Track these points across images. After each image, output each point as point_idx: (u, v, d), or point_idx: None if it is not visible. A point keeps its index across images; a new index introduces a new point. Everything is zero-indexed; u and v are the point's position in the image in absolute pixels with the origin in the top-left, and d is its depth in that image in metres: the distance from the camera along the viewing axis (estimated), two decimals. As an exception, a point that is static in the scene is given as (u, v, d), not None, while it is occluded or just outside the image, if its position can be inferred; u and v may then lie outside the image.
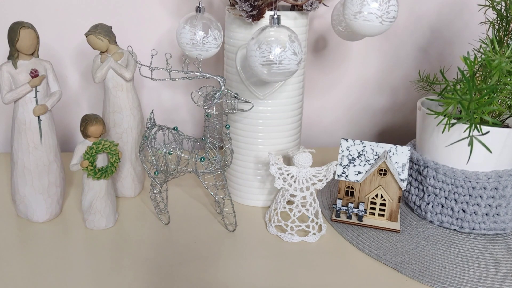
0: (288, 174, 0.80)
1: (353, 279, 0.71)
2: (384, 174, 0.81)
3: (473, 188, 0.80)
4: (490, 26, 0.85)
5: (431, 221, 0.85)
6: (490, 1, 0.84)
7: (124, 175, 0.90)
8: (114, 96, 0.86)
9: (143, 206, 0.89)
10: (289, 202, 0.82)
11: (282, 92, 0.84)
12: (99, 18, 0.90)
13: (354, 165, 0.83)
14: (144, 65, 0.74)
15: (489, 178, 0.79)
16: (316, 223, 0.81)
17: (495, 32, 0.84)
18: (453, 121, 0.76)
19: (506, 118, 0.87)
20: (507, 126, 0.87)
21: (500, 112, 0.84)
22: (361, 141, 0.84)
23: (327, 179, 0.79)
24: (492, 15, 0.88)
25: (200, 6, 0.82)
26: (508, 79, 0.71)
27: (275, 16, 0.71)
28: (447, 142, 0.80)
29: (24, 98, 0.77)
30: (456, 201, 0.82)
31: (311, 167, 0.80)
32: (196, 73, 0.72)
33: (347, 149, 0.84)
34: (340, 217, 0.85)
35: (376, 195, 0.83)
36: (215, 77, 0.73)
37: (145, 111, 0.96)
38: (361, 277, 0.71)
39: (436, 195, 0.84)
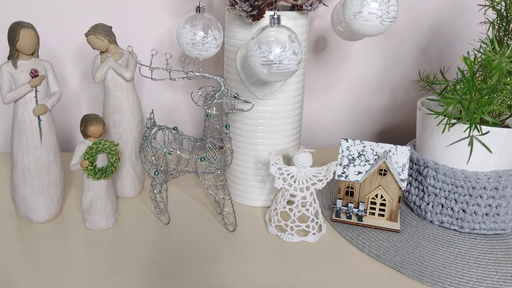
0: (288, 174, 0.80)
1: (353, 279, 0.71)
2: (384, 174, 0.81)
3: (473, 188, 0.80)
4: (490, 26, 0.85)
5: (431, 221, 0.85)
6: (490, 1, 0.84)
7: (124, 175, 0.90)
8: (114, 96, 0.86)
9: (143, 206, 0.89)
10: (289, 202, 0.82)
11: (282, 92, 0.84)
12: (99, 18, 0.89)
13: (354, 165, 0.83)
14: (144, 65, 0.74)
15: (489, 178, 0.79)
16: (316, 223, 0.81)
17: (495, 32, 0.84)
18: (453, 121, 0.76)
19: (506, 118, 0.87)
20: (507, 126, 0.87)
21: (500, 112, 0.84)
22: (361, 141, 0.84)
23: (327, 179, 0.79)
24: (492, 15, 0.88)
25: (200, 6, 0.82)
26: (508, 79, 0.71)
27: (275, 16, 0.71)
28: (447, 142, 0.80)
29: (24, 98, 0.77)
30: (456, 201, 0.82)
31: (311, 167, 0.80)
32: (196, 73, 0.72)
33: (347, 149, 0.84)
34: (340, 217, 0.85)
35: (376, 195, 0.83)
36: (215, 77, 0.73)
37: (145, 111, 0.96)
38: (361, 277, 0.71)
39: (436, 195, 0.84)
